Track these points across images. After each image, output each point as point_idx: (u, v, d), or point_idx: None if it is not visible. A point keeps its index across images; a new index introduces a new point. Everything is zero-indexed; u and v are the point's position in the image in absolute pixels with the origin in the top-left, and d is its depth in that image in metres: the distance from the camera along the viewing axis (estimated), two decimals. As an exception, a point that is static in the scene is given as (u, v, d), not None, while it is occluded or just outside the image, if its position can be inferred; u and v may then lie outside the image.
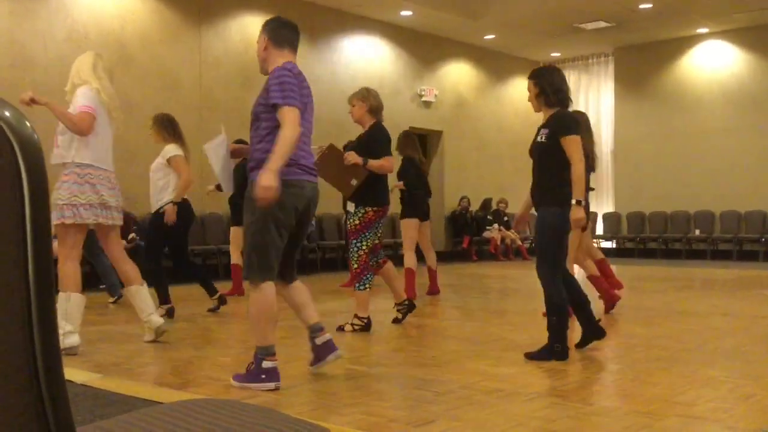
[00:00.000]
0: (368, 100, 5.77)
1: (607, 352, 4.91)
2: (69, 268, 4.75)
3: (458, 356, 4.70)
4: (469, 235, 14.90)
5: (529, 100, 4.74)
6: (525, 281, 10.64)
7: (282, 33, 4.00)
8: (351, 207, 5.77)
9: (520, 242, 15.26)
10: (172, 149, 6.59)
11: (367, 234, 5.64)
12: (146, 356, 4.82)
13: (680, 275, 9.81)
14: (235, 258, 8.05)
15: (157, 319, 5.17)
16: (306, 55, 12.86)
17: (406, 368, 4.30)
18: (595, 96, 17.36)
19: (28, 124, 0.72)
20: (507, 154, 16.35)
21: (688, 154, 15.26)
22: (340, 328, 5.74)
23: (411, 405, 3.44)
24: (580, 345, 4.86)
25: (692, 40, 15.46)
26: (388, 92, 14.28)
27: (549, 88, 4.59)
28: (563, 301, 4.55)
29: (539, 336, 5.59)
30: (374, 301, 8.02)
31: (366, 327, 5.74)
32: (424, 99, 14.94)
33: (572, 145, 4.48)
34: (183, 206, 6.64)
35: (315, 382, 3.93)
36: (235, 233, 7.85)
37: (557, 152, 4.50)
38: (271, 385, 3.77)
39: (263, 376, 3.78)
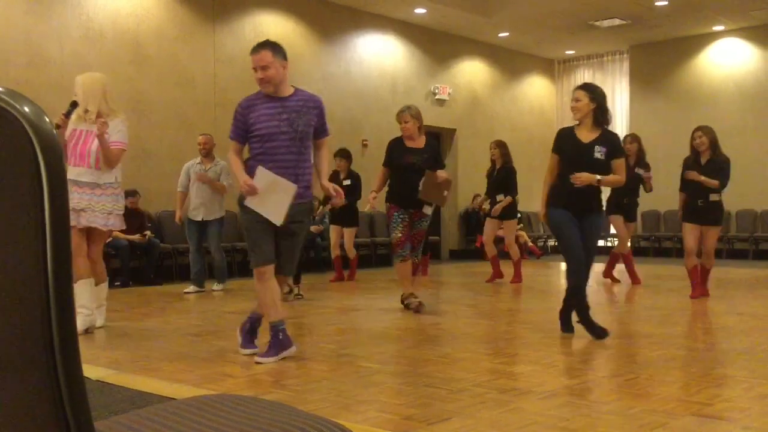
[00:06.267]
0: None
1: (621, 351, 4.89)
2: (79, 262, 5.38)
3: (472, 354, 4.69)
4: (482, 234, 14.81)
5: (575, 108, 4.99)
6: (537, 279, 10.61)
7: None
8: (428, 210, 6.65)
9: (531, 243, 15.17)
10: None
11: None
12: (161, 352, 4.84)
13: (695, 274, 9.74)
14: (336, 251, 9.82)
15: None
16: (320, 53, 12.87)
17: (420, 366, 4.30)
18: (610, 94, 17.12)
19: (47, 119, 0.72)
20: (521, 153, 16.26)
21: (704, 153, 15.10)
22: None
23: (425, 403, 3.44)
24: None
25: (708, 38, 15.34)
26: (402, 90, 14.28)
27: (603, 106, 5.00)
28: None
29: (553, 334, 5.58)
30: (387, 299, 8.02)
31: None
32: (437, 97, 14.92)
33: (622, 167, 5.09)
34: None
35: (328, 380, 3.93)
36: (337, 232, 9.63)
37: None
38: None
39: None
